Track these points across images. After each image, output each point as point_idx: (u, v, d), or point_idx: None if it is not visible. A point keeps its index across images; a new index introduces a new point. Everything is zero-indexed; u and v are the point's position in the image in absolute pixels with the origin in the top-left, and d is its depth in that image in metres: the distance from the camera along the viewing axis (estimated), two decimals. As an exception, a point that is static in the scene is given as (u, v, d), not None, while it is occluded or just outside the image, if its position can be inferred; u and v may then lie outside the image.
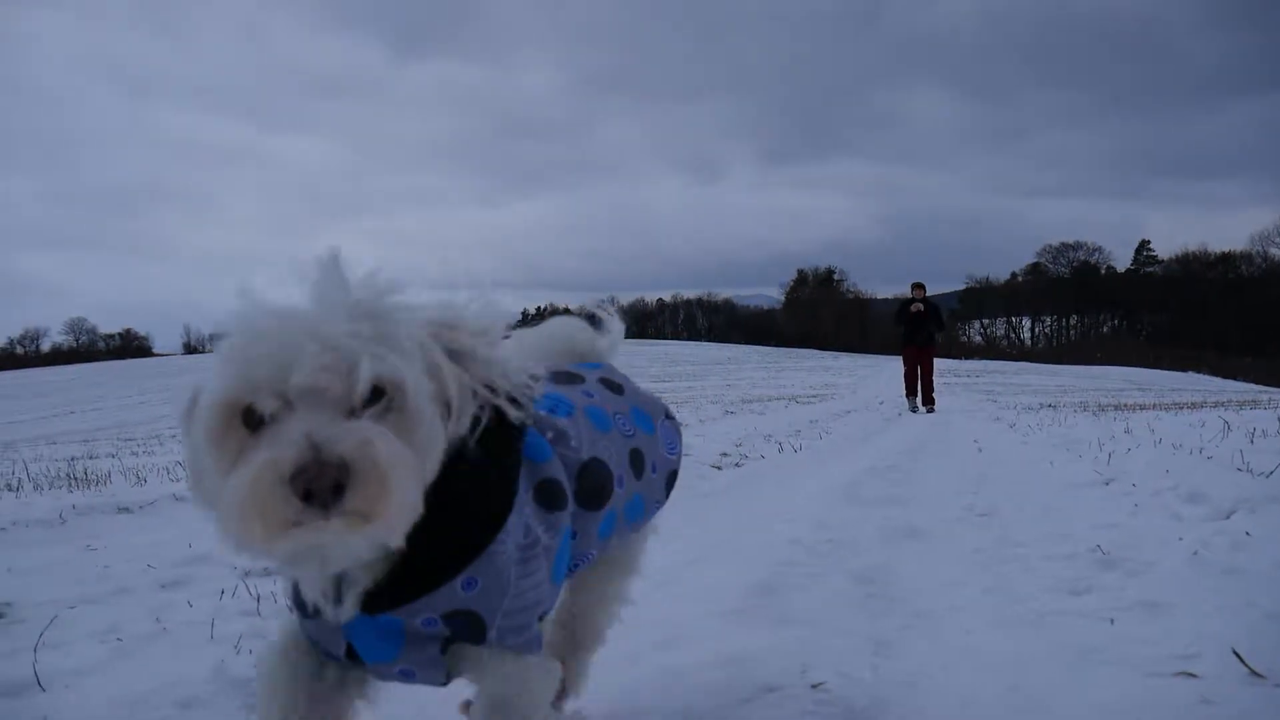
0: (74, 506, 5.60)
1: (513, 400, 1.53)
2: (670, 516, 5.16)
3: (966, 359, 61.99)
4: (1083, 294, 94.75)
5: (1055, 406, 18.00)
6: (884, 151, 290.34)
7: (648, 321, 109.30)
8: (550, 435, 1.73)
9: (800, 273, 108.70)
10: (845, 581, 3.54)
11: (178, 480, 7.37)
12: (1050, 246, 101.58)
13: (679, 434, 2.19)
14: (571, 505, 1.72)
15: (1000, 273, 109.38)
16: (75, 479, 7.85)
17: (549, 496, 1.65)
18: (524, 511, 1.58)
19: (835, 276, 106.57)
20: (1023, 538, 4.28)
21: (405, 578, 1.46)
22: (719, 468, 7.49)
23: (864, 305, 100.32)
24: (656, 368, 44.16)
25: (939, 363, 19.96)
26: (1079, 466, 6.82)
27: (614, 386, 2.05)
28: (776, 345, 77.96)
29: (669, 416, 2.17)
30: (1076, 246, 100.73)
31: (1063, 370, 47.22)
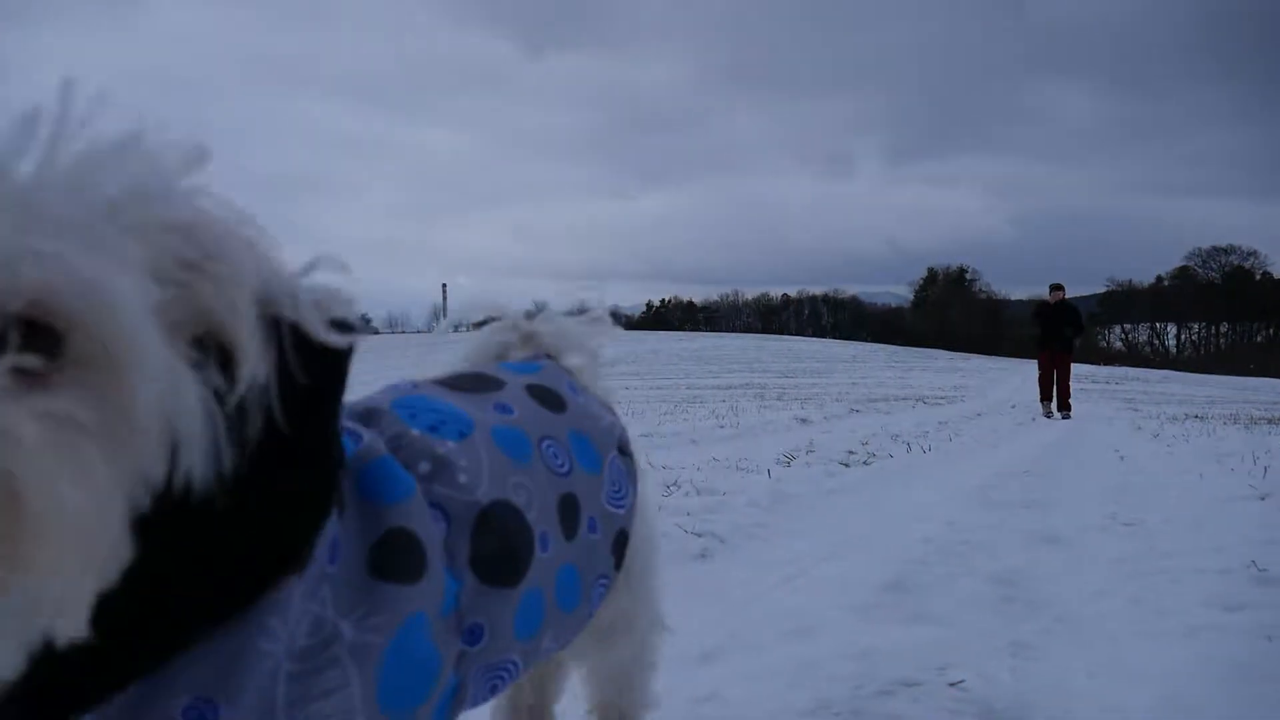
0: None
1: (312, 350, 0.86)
2: (797, 511, 5.19)
3: (1105, 365, 59.53)
4: (1235, 300, 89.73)
5: (1203, 418, 17.12)
6: (1021, 147, 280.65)
7: (772, 317, 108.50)
8: (424, 467, 1.12)
9: (931, 271, 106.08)
10: (981, 583, 3.47)
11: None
12: (1200, 250, 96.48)
13: (634, 477, 1.50)
14: (457, 578, 1.09)
15: (1144, 276, 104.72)
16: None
17: (389, 557, 1.00)
18: (321, 590, 0.92)
19: (967, 276, 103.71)
20: (1170, 549, 4.11)
21: (55, 678, 0.76)
22: (847, 465, 7.40)
23: (997, 306, 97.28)
24: (780, 363, 43.82)
25: (1076, 368, 19.20)
26: (1231, 479, 6.49)
27: (550, 399, 1.42)
28: (904, 344, 76.37)
29: (624, 450, 1.51)
30: (1229, 250, 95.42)
31: (1211, 380, 44.90)
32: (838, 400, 20.36)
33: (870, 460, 7.97)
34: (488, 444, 1.22)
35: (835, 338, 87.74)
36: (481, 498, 1.15)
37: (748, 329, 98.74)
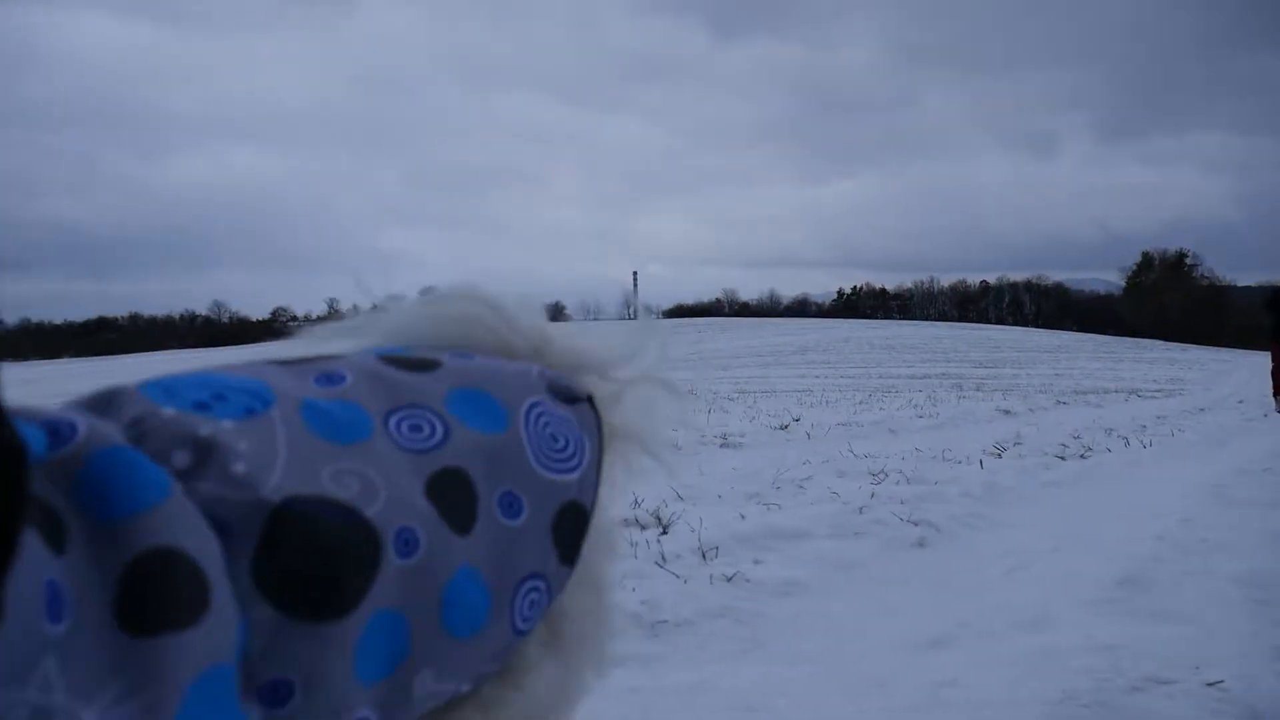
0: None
1: None
2: (1013, 503, 5.01)
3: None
4: None
5: None
6: (1250, 121, 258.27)
7: (969, 305, 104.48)
8: (180, 458, 0.79)
9: (1145, 255, 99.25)
10: (1226, 584, 3.27)
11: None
12: None
13: (590, 431, 1.11)
14: (242, 613, 0.76)
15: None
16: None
17: (147, 595, 0.69)
18: (40, 667, 0.62)
19: (1187, 260, 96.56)
20: None
21: None
22: (1062, 458, 7.09)
23: (1220, 293, 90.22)
24: (979, 353, 42.21)
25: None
26: None
27: (415, 363, 1.04)
28: (1114, 334, 71.90)
29: (568, 396, 1.11)
30: None
31: None
32: (1042, 392, 19.47)
33: (1086, 454, 7.61)
34: (291, 422, 0.86)
35: (1037, 326, 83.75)
36: (270, 494, 0.80)
37: (943, 317, 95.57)
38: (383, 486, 0.88)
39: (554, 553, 1.02)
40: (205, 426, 0.82)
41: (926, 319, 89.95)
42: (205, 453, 0.80)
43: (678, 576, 2.96)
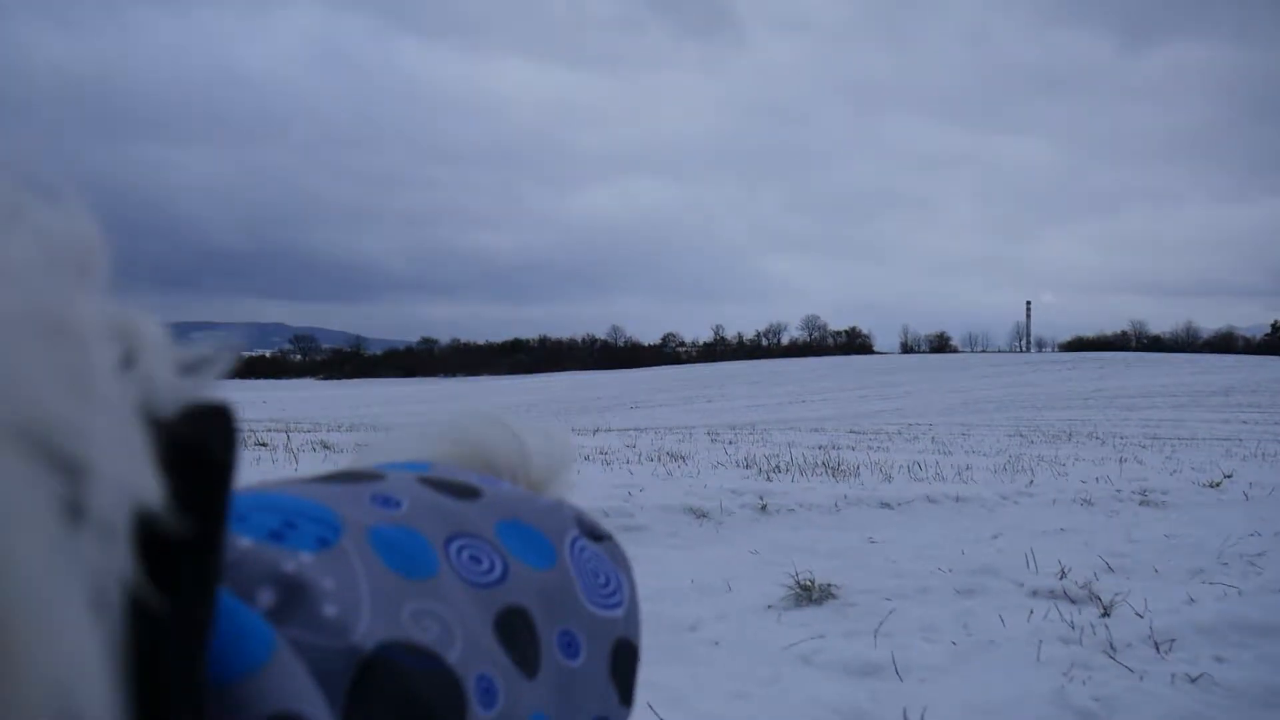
0: (845, 496, 6.22)
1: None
2: None
3: None
4: None
5: None
6: None
7: None
8: (265, 597, 0.70)
9: None
10: None
11: (919, 480, 7.79)
12: None
13: (622, 564, 1.07)
14: None
15: None
16: (831, 468, 8.71)
17: None
18: None
19: None
20: None
21: None
22: None
23: None
24: None
25: None
26: None
27: (455, 487, 0.98)
28: None
29: (594, 534, 1.07)
30: None
31: None
32: None
33: None
34: (364, 554, 0.79)
35: None
36: (363, 640, 0.72)
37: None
38: (458, 628, 0.80)
39: (615, 693, 0.97)
40: (288, 561, 0.73)
41: (1388, 358, 76.49)
42: (292, 593, 0.71)
43: (1131, 671, 2.69)
